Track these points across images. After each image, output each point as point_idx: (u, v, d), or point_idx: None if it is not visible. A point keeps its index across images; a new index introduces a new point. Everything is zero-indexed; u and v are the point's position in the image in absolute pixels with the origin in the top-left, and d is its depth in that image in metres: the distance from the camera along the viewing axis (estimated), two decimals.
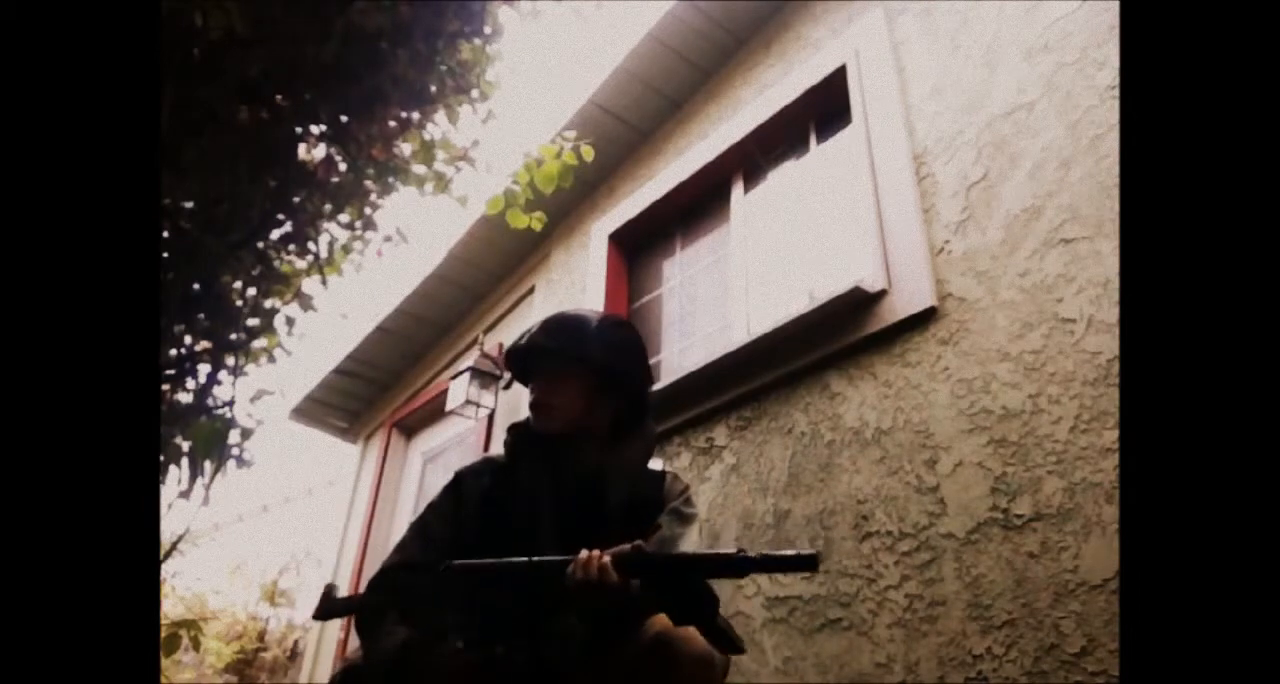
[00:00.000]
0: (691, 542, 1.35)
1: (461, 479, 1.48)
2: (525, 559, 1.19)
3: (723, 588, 2.30)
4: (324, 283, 2.09)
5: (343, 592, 1.49)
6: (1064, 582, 1.62)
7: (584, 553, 1.15)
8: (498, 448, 2.40)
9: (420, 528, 1.43)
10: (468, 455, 4.25)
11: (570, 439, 1.43)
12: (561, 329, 1.47)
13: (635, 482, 1.43)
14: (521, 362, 1.52)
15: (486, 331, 4.47)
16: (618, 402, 1.48)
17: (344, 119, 1.86)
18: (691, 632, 1.17)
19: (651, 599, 1.17)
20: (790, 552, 1.03)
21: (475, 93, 2.12)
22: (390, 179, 2.10)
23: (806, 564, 1.02)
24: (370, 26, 1.67)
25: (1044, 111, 2.08)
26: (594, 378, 1.45)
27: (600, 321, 1.50)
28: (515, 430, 1.49)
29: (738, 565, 1.06)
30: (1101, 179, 1.88)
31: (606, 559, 1.13)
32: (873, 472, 2.09)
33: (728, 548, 1.13)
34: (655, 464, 1.50)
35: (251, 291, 1.93)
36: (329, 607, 1.31)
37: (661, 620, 1.20)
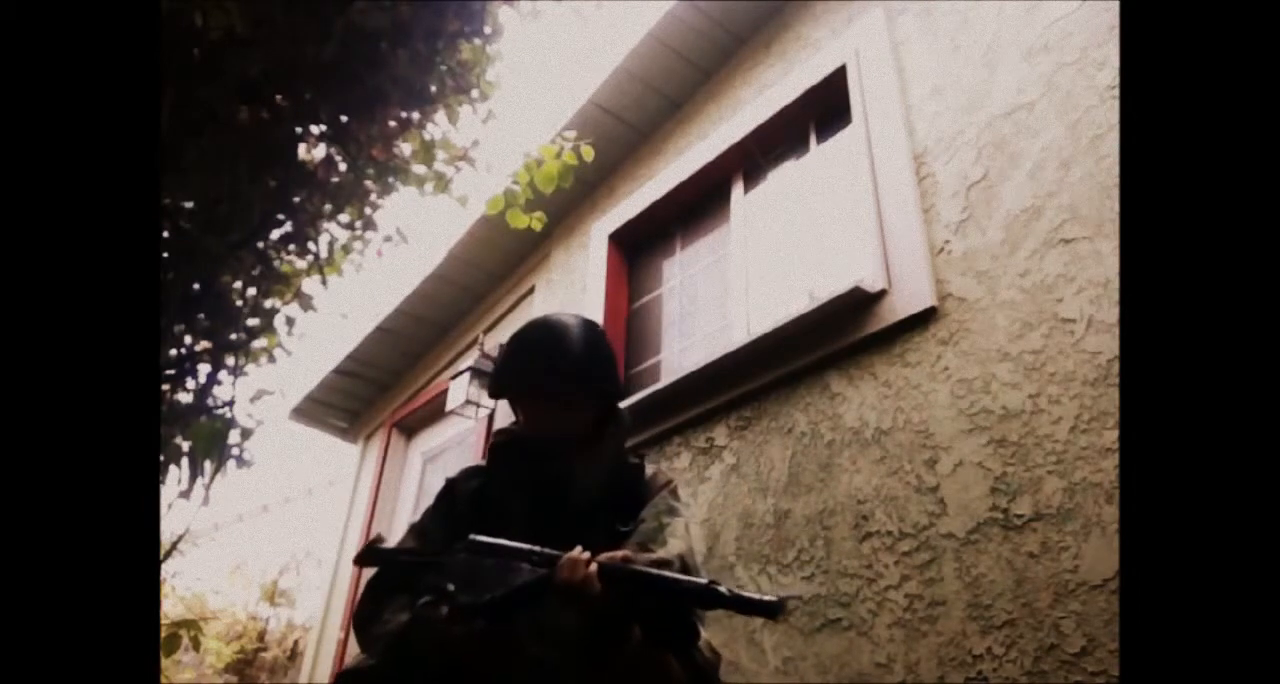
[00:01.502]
0: (678, 536, 1.33)
1: (453, 485, 1.50)
2: (536, 548, 1.19)
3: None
4: (324, 283, 2.09)
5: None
6: (1064, 582, 1.62)
7: (575, 551, 1.15)
8: None
9: (419, 530, 1.45)
10: (468, 455, 4.25)
11: (549, 441, 1.43)
12: (559, 356, 1.43)
13: (610, 474, 1.42)
14: (516, 386, 1.49)
15: (486, 331, 4.47)
16: (599, 403, 1.48)
17: (344, 119, 1.86)
18: None
19: (634, 616, 1.17)
20: (757, 595, 1.06)
21: (475, 93, 2.12)
22: (390, 179, 2.10)
23: (768, 610, 1.04)
24: (370, 26, 1.67)
25: (1044, 111, 2.08)
26: (592, 399, 1.46)
27: (582, 337, 1.47)
28: (499, 435, 1.50)
29: (706, 597, 1.08)
30: (1101, 179, 1.88)
31: (593, 567, 1.12)
32: (873, 472, 2.09)
33: (702, 577, 1.14)
34: (652, 465, 1.50)
35: (251, 291, 1.93)
36: (371, 554, 1.34)
37: None
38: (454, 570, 1.24)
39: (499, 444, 1.50)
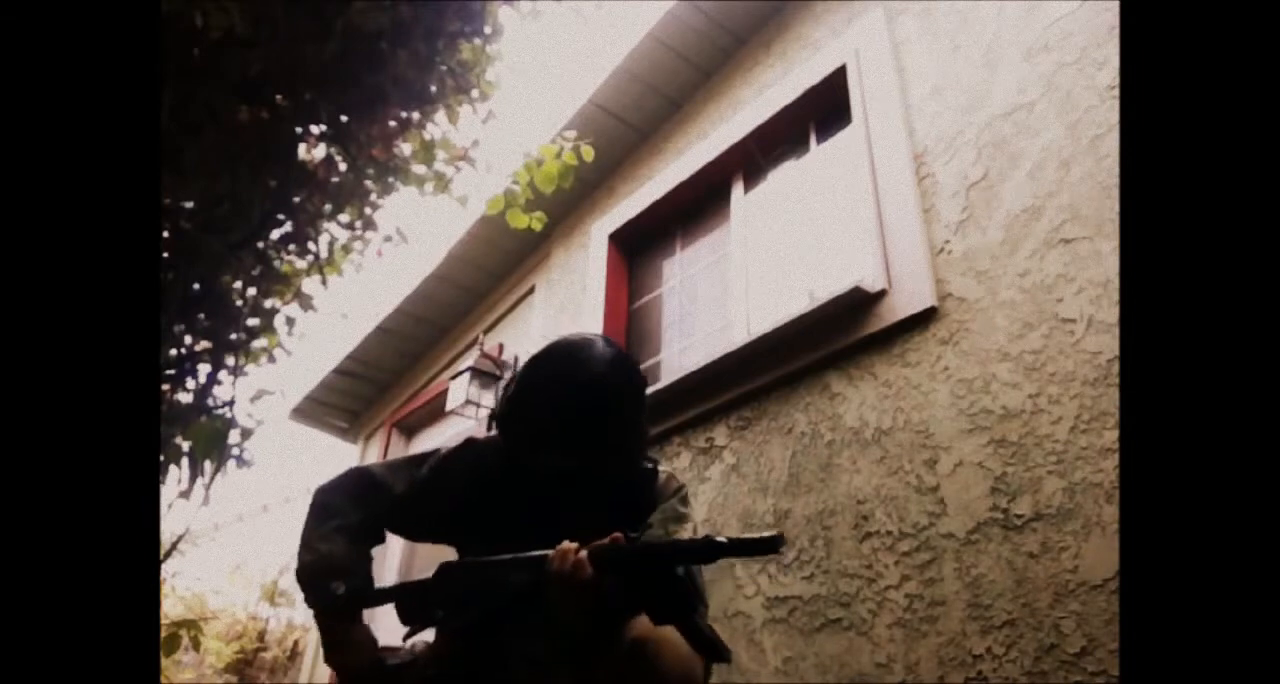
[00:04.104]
0: None
1: (469, 447, 1.42)
2: (510, 556, 1.19)
3: (722, 588, 2.30)
4: (324, 283, 2.09)
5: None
6: (1064, 582, 1.62)
7: (564, 544, 1.14)
8: None
9: (414, 484, 1.39)
10: None
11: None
12: (588, 434, 1.27)
13: (624, 479, 1.39)
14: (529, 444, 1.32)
15: (486, 331, 4.47)
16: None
17: (344, 119, 1.86)
18: (674, 634, 1.15)
19: (633, 598, 1.16)
20: (754, 535, 1.06)
21: (475, 93, 2.12)
22: (390, 179, 2.10)
23: (769, 546, 1.04)
24: (370, 26, 1.67)
25: (1044, 111, 2.08)
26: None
27: (617, 402, 1.29)
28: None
29: (707, 550, 1.08)
30: (1101, 179, 1.88)
31: (583, 554, 1.12)
32: (873, 472, 2.09)
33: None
34: (665, 470, 1.48)
35: (251, 291, 1.93)
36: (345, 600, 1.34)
37: (643, 622, 1.18)
38: (439, 595, 1.23)
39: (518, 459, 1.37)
